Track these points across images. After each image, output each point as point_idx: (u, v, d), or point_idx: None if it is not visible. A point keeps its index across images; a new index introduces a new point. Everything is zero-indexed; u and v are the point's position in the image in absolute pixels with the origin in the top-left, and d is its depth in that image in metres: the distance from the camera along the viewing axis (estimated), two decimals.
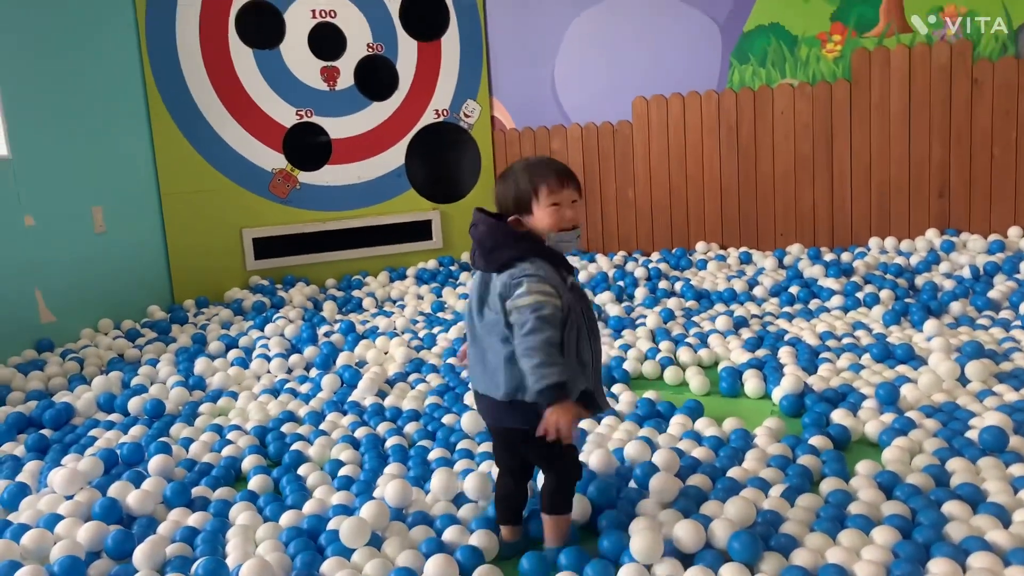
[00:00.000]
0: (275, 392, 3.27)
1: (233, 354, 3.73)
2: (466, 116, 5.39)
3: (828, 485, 2.10)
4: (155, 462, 2.46)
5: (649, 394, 2.87)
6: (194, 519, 2.16)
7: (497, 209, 1.85)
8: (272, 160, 5.03)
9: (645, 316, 3.83)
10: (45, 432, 2.91)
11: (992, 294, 3.72)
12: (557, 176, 1.78)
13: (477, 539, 1.94)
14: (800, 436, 2.46)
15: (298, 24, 4.98)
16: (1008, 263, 4.06)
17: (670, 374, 3.15)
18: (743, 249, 4.93)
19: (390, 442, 2.62)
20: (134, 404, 3.10)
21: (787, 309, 3.92)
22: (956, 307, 3.63)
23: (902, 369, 2.97)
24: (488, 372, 1.80)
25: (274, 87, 4.96)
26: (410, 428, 2.75)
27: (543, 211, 1.78)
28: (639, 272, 4.58)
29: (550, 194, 1.77)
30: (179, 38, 4.74)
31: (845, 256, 4.58)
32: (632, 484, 2.18)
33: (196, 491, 2.35)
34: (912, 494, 2.01)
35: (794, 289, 4.10)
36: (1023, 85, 4.45)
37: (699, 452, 2.35)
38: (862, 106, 4.74)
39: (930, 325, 3.32)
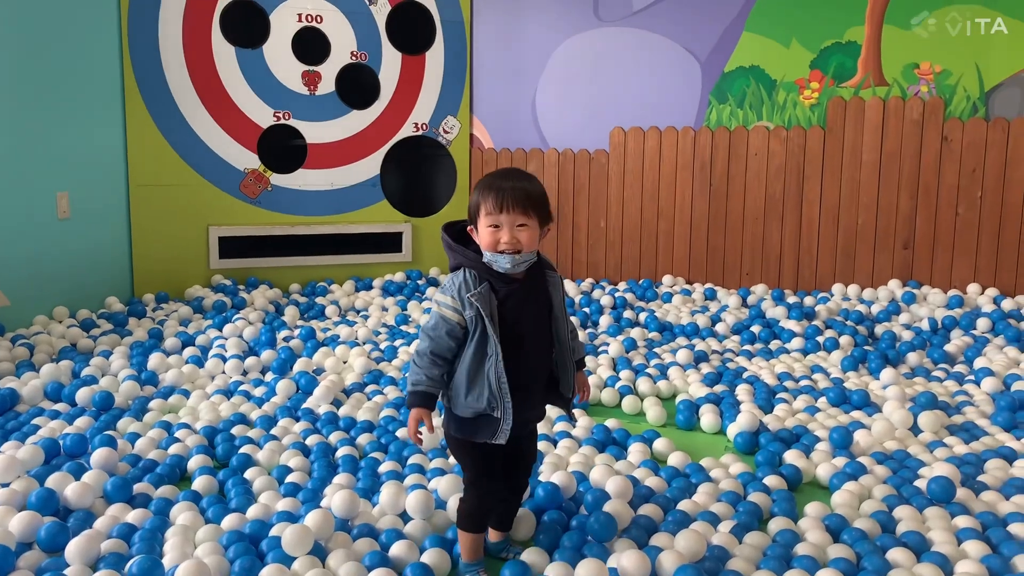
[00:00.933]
0: (228, 393, 3.21)
1: (189, 352, 3.67)
2: (445, 132, 5.39)
3: (777, 524, 2.10)
4: (98, 455, 2.40)
5: (609, 422, 2.86)
6: (133, 516, 2.11)
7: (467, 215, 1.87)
8: (246, 160, 4.98)
9: (608, 344, 3.84)
10: None
11: (948, 347, 3.78)
12: (496, 197, 1.75)
13: (429, 557, 1.92)
14: (753, 473, 2.46)
15: (283, 26, 4.96)
16: (965, 318, 4.13)
17: (628, 403, 3.15)
18: (708, 285, 4.97)
19: (341, 452, 2.58)
20: (82, 395, 3.03)
21: (748, 347, 3.94)
22: (913, 358, 3.67)
23: (857, 415, 2.99)
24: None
25: (254, 87, 4.93)
26: (363, 439, 2.71)
27: (482, 228, 1.78)
28: (605, 300, 4.59)
29: (486, 215, 1.76)
30: (161, 29, 4.69)
31: (808, 300, 4.64)
32: (583, 510, 2.17)
33: (138, 487, 2.29)
34: (859, 538, 2.02)
35: (756, 328, 4.13)
36: (991, 146, 4.55)
37: (652, 482, 2.35)
38: (834, 154, 4.82)
39: (887, 374, 3.35)
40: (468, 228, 1.84)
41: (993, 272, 4.62)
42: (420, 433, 1.81)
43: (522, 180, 1.80)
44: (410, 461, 2.51)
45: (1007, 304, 4.36)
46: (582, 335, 4.01)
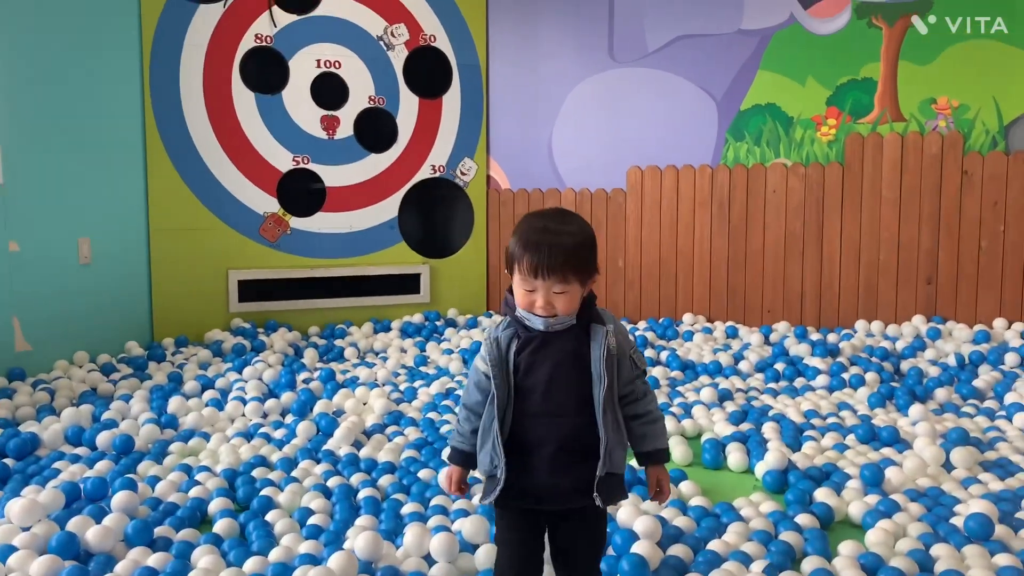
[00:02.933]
0: (248, 436, 3.19)
1: (208, 395, 3.65)
2: (462, 174, 5.42)
3: (811, 564, 2.05)
4: (119, 498, 2.37)
5: (634, 461, 2.82)
6: (154, 559, 2.07)
7: None
8: (265, 204, 5.02)
9: None
10: (8, 461, 2.82)
11: (977, 383, 3.72)
12: (531, 261, 1.56)
13: None
14: (783, 512, 2.40)
15: (302, 72, 5.03)
16: (993, 353, 4.06)
17: None
18: (730, 323, 4.92)
19: (363, 493, 2.55)
20: (102, 438, 3.02)
21: (772, 385, 3.89)
22: (941, 393, 3.61)
23: (887, 451, 2.93)
24: None
25: (273, 132, 4.99)
26: (384, 481, 2.68)
27: (517, 286, 1.61)
28: None
29: (521, 278, 1.59)
30: (182, 76, 4.77)
31: (831, 337, 4.58)
32: (611, 551, 2.12)
33: (159, 531, 2.26)
34: None
35: (779, 366, 4.08)
36: (1011, 179, 4.53)
37: (681, 522, 2.29)
38: (854, 189, 4.80)
39: (915, 410, 3.29)
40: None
41: (1019, 306, 4.56)
42: (459, 488, 1.72)
43: (563, 234, 1.57)
44: (433, 502, 2.47)
45: None
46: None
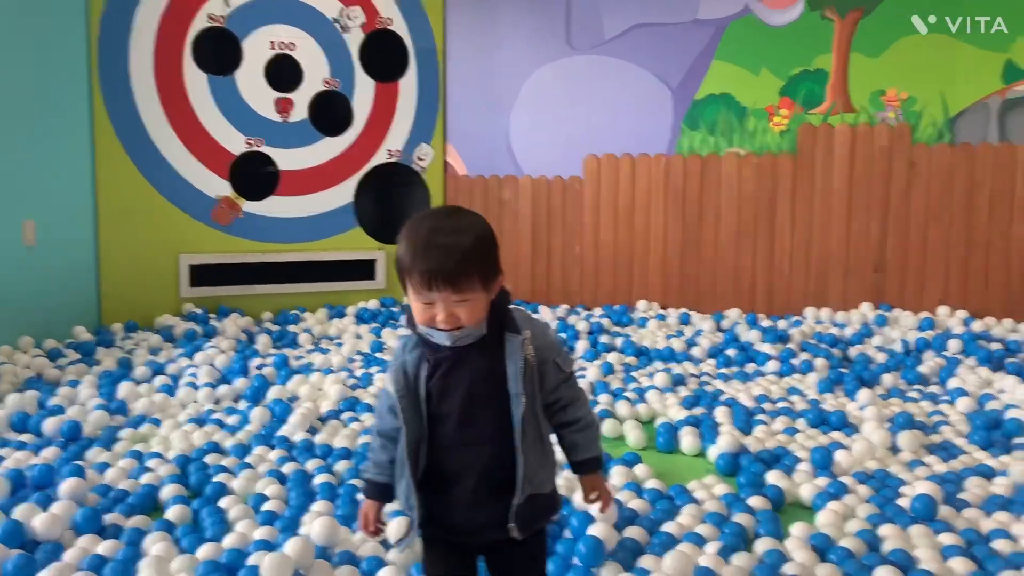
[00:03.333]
0: (201, 422, 3.14)
1: (159, 380, 3.59)
2: (419, 159, 5.38)
3: (763, 545, 2.09)
4: (66, 485, 2.32)
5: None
6: (104, 547, 2.03)
7: None
8: (217, 187, 4.93)
9: (585, 369, 3.82)
10: None
11: (922, 369, 3.81)
12: (423, 272, 1.36)
13: None
14: (736, 494, 2.45)
15: (256, 53, 4.94)
16: (937, 340, 4.17)
17: (608, 427, 3.13)
18: (683, 310, 4.98)
19: (318, 479, 2.53)
20: (49, 425, 2.95)
21: (724, 370, 3.95)
22: (888, 379, 3.70)
23: (836, 435, 3.00)
24: None
25: (226, 114, 4.90)
26: (340, 466, 2.66)
27: (413, 301, 1.42)
28: (581, 326, 4.58)
29: (416, 295, 1.40)
30: (132, 56, 4.65)
31: (782, 323, 4.67)
32: (567, 533, 2.14)
33: (109, 518, 2.22)
34: (845, 557, 2.01)
35: (731, 352, 4.14)
36: (957, 170, 4.64)
37: (636, 504, 2.32)
38: (805, 179, 4.88)
39: (863, 394, 3.37)
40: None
41: (963, 294, 4.68)
42: (375, 528, 1.55)
43: (457, 233, 1.39)
44: None
45: (977, 325, 4.42)
46: None
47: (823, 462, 2.66)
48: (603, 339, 4.38)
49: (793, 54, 4.86)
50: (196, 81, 4.82)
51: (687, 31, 5.02)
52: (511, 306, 1.49)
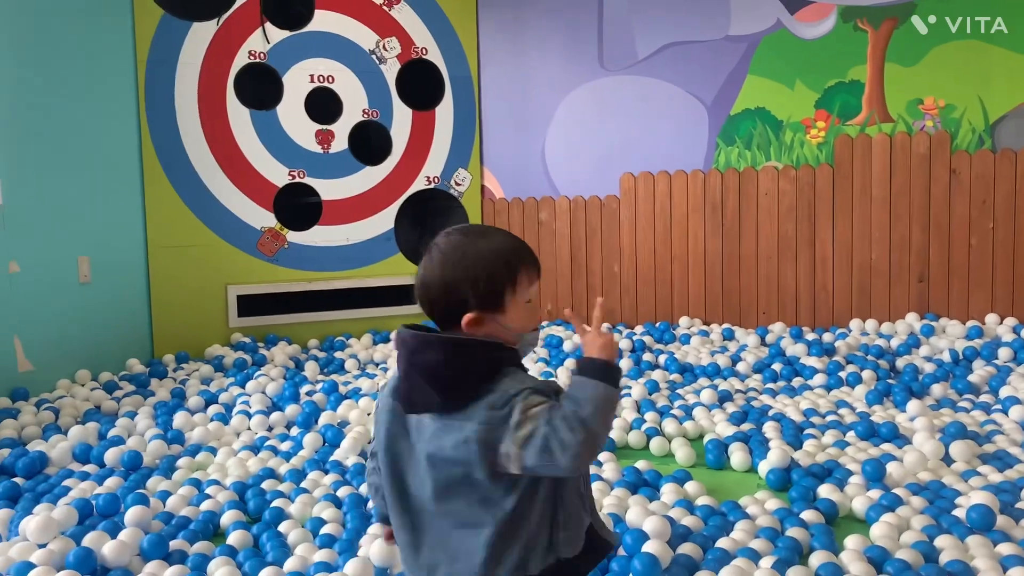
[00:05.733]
0: (255, 449, 3.21)
1: (213, 410, 3.67)
2: (457, 184, 5.46)
3: (818, 558, 2.08)
4: (132, 513, 2.40)
5: (640, 464, 2.86)
6: (171, 572, 2.10)
7: (433, 307, 1.40)
8: (262, 218, 5.05)
9: (630, 387, 3.83)
10: (17, 480, 2.83)
11: (972, 378, 3.77)
12: (537, 262, 1.36)
13: None
14: (789, 509, 2.44)
15: (296, 87, 5.07)
16: (986, 348, 4.12)
17: (656, 444, 3.14)
18: (726, 325, 4.97)
19: (373, 502, 2.57)
20: (111, 455, 3.04)
21: (770, 385, 3.93)
22: (937, 389, 3.66)
23: (887, 447, 2.98)
24: (459, 558, 1.32)
25: (268, 147, 5.02)
26: None
27: (519, 308, 1.34)
28: (624, 344, 4.59)
29: (530, 286, 1.34)
30: (177, 93, 4.80)
31: (827, 336, 4.63)
32: (621, 551, 2.16)
33: (174, 544, 2.29)
34: (903, 569, 2.00)
35: (777, 366, 4.12)
36: (999, 177, 4.59)
37: (689, 521, 2.33)
38: (844, 190, 4.86)
39: (913, 405, 3.34)
40: (468, 318, 1.34)
41: (1010, 302, 4.61)
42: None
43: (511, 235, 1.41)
44: None
45: None
46: None
47: (875, 474, 2.65)
48: (646, 357, 4.39)
49: (827, 66, 4.86)
50: (239, 116, 4.95)
51: (720, 48, 5.04)
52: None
